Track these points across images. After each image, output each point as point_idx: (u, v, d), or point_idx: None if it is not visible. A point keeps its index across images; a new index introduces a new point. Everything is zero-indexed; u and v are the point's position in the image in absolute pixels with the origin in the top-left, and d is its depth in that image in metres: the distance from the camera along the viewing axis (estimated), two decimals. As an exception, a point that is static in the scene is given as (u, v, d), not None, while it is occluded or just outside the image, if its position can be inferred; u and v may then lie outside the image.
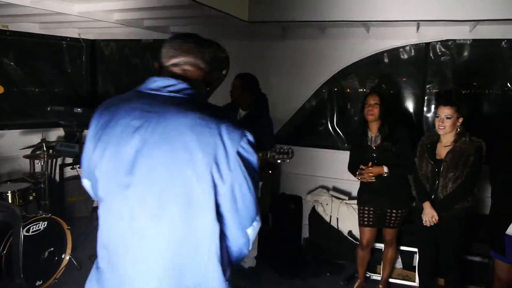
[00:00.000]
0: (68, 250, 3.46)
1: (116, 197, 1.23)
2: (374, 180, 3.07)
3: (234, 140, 1.19)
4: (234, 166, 1.18)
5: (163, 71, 1.33)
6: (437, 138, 2.92)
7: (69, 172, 4.62)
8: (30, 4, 3.08)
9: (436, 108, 2.98)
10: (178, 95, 1.25)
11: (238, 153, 1.19)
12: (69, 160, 4.20)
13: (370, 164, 3.08)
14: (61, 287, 3.34)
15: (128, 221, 1.21)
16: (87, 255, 3.88)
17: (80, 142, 3.83)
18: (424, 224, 2.88)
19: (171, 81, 1.26)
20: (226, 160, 1.17)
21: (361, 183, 3.28)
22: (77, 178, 4.90)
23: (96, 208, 5.11)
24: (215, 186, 1.17)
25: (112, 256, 1.26)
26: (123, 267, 1.23)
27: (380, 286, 3.42)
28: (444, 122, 2.77)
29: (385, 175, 3.04)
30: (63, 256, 3.42)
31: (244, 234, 1.27)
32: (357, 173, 3.14)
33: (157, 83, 1.27)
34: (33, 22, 4.53)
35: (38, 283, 3.20)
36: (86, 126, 3.84)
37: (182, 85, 1.26)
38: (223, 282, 1.24)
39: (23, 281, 2.53)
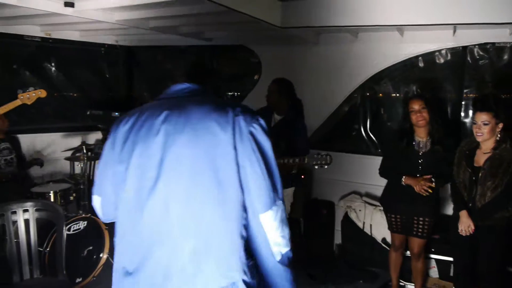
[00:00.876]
0: (106, 250, 3.57)
1: (147, 192, 1.27)
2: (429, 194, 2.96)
3: (247, 120, 1.29)
4: (247, 145, 1.26)
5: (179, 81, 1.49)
6: (476, 144, 2.82)
7: (106, 174, 4.75)
8: (72, 13, 3.22)
9: (473, 114, 2.90)
10: (192, 94, 1.42)
11: (251, 133, 1.28)
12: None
13: (430, 176, 2.96)
14: (99, 285, 3.45)
15: (163, 213, 1.25)
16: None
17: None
18: (460, 233, 2.80)
19: (185, 85, 1.44)
20: (240, 138, 1.26)
21: (387, 188, 3.24)
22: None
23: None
24: (237, 163, 1.25)
25: (145, 254, 1.27)
26: (158, 262, 1.26)
27: (415, 295, 3.35)
28: (482, 129, 2.68)
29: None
30: (101, 255, 3.54)
31: (257, 220, 1.27)
32: (404, 179, 3.02)
33: (174, 89, 1.45)
34: (74, 30, 4.73)
35: (77, 280, 3.33)
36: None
37: (194, 87, 1.44)
38: (247, 266, 1.27)
39: (66, 278, 2.63)
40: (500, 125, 2.69)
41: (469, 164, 2.80)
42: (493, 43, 3.62)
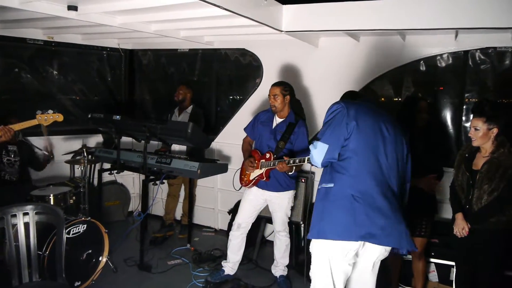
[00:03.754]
0: (105, 253, 3.56)
1: (372, 153, 2.28)
2: None
3: (406, 131, 2.47)
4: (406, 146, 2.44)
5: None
6: (477, 148, 2.82)
7: (106, 177, 4.75)
8: (75, 16, 3.23)
9: (472, 119, 2.92)
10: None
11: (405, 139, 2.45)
12: (106, 165, 4.33)
13: None
14: (98, 289, 3.45)
15: (377, 165, 2.29)
16: (122, 258, 3.99)
17: (118, 149, 3.93)
18: (454, 234, 2.81)
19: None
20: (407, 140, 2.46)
21: None
22: (114, 183, 5.05)
23: (131, 212, 5.26)
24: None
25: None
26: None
27: (416, 299, 3.33)
28: (473, 134, 2.70)
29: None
30: (100, 258, 3.53)
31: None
32: None
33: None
34: (76, 33, 4.75)
35: (76, 283, 3.31)
36: (124, 133, 3.97)
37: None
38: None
39: (65, 281, 2.61)
40: (495, 130, 2.66)
41: (467, 167, 2.80)
42: (495, 48, 3.62)
